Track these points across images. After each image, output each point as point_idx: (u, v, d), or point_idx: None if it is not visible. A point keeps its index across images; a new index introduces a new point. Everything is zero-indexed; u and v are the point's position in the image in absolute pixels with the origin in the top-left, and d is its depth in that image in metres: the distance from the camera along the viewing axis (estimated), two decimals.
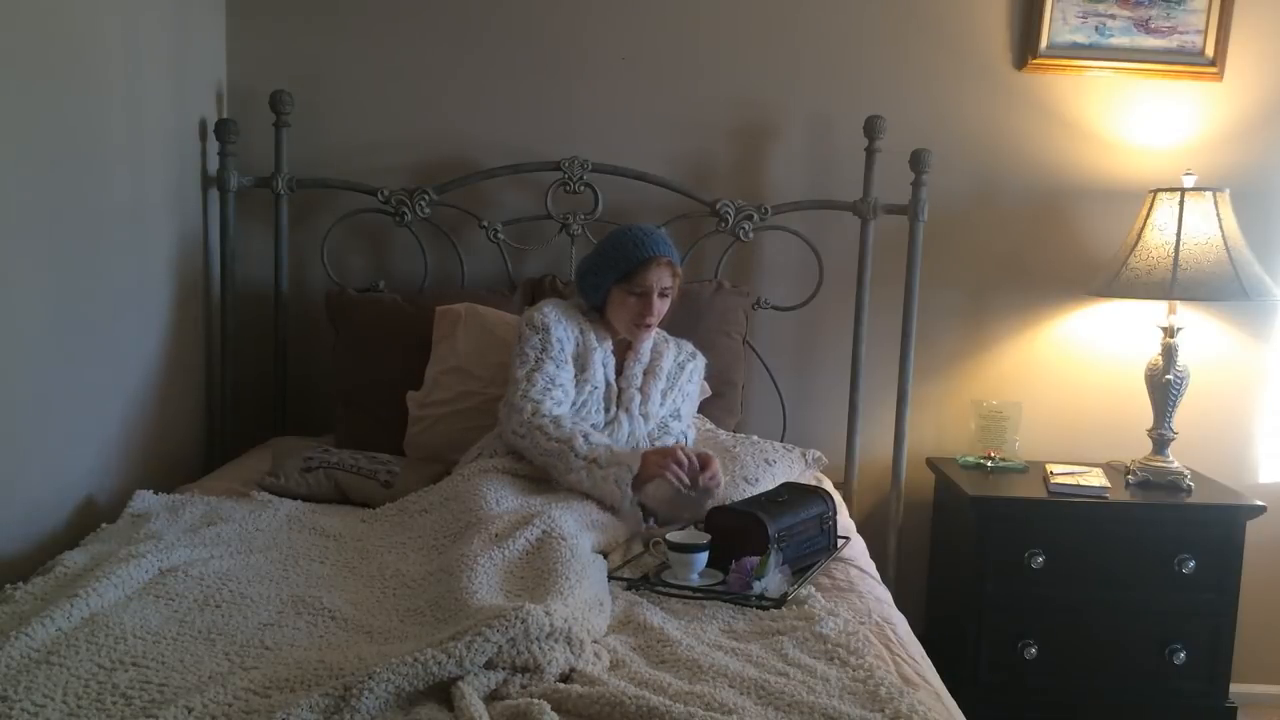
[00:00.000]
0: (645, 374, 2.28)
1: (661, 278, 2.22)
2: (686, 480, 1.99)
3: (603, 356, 2.24)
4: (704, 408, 2.58)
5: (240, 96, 2.82)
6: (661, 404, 2.29)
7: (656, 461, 2.00)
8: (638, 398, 2.24)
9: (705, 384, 2.55)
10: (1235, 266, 2.58)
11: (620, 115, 2.85)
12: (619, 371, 2.26)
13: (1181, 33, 2.81)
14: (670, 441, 2.29)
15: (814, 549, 1.96)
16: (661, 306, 2.24)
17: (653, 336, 2.32)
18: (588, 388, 2.20)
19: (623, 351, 2.29)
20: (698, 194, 2.76)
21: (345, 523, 2.02)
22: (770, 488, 2.15)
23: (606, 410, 2.22)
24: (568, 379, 2.19)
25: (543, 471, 2.11)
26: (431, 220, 2.77)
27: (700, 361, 2.42)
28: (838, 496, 2.24)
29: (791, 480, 2.24)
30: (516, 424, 2.11)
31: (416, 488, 2.15)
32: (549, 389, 2.15)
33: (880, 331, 2.81)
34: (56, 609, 1.47)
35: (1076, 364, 2.95)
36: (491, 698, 1.32)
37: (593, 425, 2.17)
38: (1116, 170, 2.88)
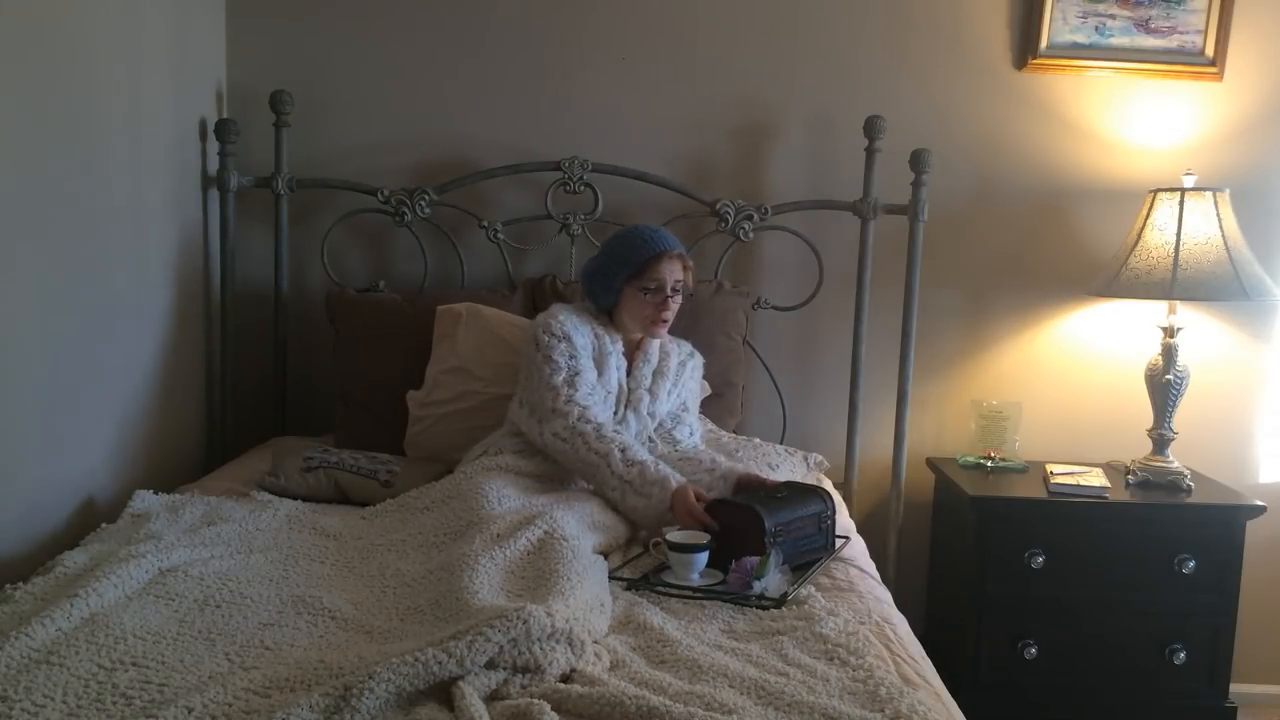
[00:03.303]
0: (654, 375, 2.28)
1: (674, 270, 2.22)
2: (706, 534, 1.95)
3: (617, 360, 2.25)
4: (704, 408, 2.58)
5: (240, 96, 2.82)
6: (666, 402, 2.30)
7: (683, 516, 1.95)
8: (646, 398, 2.25)
9: (705, 383, 2.55)
10: (1235, 266, 2.58)
11: (620, 115, 2.85)
12: (629, 373, 2.27)
13: (1181, 33, 2.81)
14: (684, 432, 2.33)
15: (811, 547, 1.96)
16: (676, 302, 2.25)
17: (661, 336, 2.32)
18: (603, 391, 2.20)
19: (630, 353, 2.30)
20: (698, 194, 2.76)
21: (345, 522, 2.02)
22: None
23: (614, 411, 2.22)
24: (596, 380, 2.19)
25: (544, 471, 2.11)
26: (431, 220, 2.77)
27: (698, 360, 2.44)
28: (838, 496, 2.24)
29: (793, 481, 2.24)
30: (560, 428, 2.09)
31: (417, 488, 2.15)
32: (591, 393, 2.15)
33: (880, 331, 2.81)
34: (56, 609, 1.47)
35: (1076, 364, 2.95)
36: (492, 698, 1.32)
37: None
38: (1116, 170, 2.88)
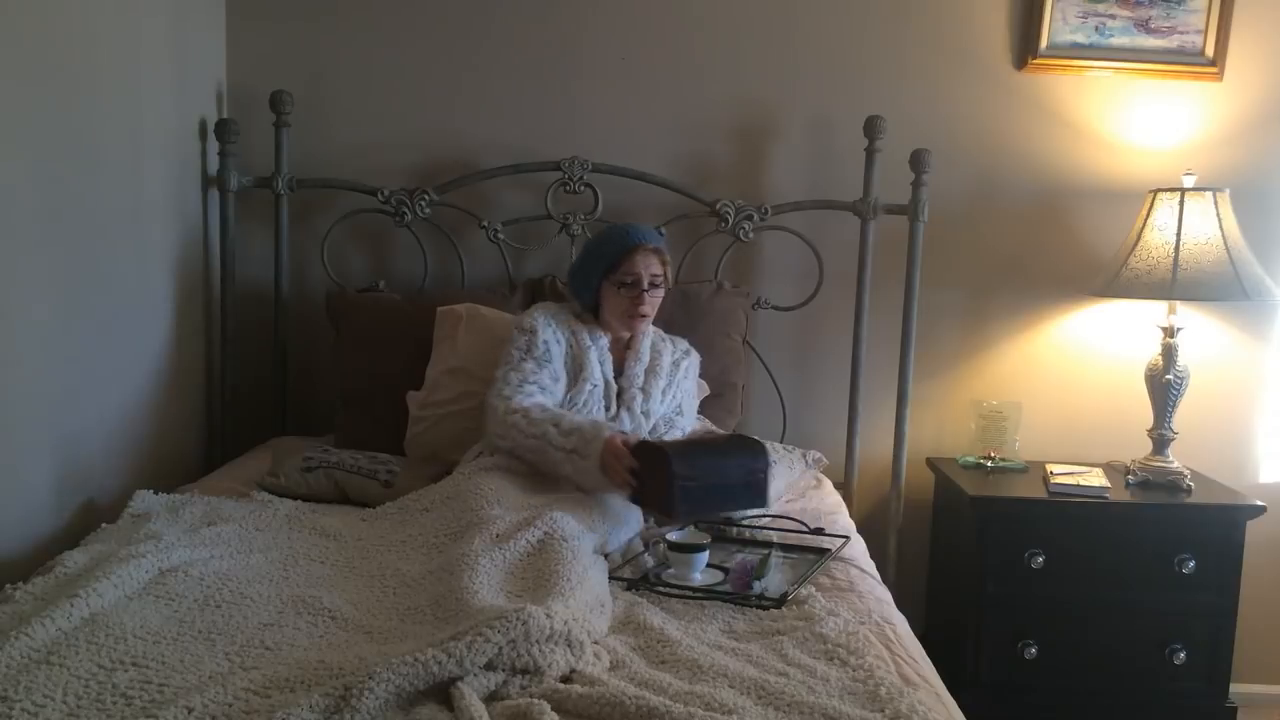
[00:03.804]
0: (647, 373, 2.27)
1: (649, 264, 2.22)
2: (631, 484, 1.95)
3: (599, 355, 2.24)
4: (704, 408, 2.58)
5: (240, 96, 2.81)
6: (662, 401, 2.29)
7: (609, 458, 1.96)
8: (640, 397, 2.24)
9: (703, 383, 2.55)
10: (1235, 266, 2.58)
11: (620, 115, 2.85)
12: (620, 371, 2.26)
13: (1181, 33, 2.81)
14: (676, 435, 2.30)
15: (731, 497, 1.93)
16: (654, 296, 2.24)
17: (651, 335, 2.32)
18: (587, 386, 2.20)
19: (621, 351, 2.29)
20: (698, 194, 2.76)
21: (345, 522, 2.01)
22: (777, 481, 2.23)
23: (608, 409, 2.22)
24: (548, 378, 2.18)
25: (543, 470, 2.11)
26: (431, 220, 2.77)
27: (695, 358, 2.42)
28: (832, 490, 2.22)
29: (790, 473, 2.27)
30: (494, 424, 2.12)
31: (417, 488, 2.15)
32: (522, 384, 2.16)
33: (880, 331, 2.81)
34: (56, 609, 1.47)
35: (1076, 364, 2.95)
36: (491, 698, 1.32)
37: None
38: (1116, 170, 2.88)
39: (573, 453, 2.01)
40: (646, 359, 2.29)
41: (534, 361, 2.18)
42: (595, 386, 2.21)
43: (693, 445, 1.97)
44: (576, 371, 2.21)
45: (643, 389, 2.25)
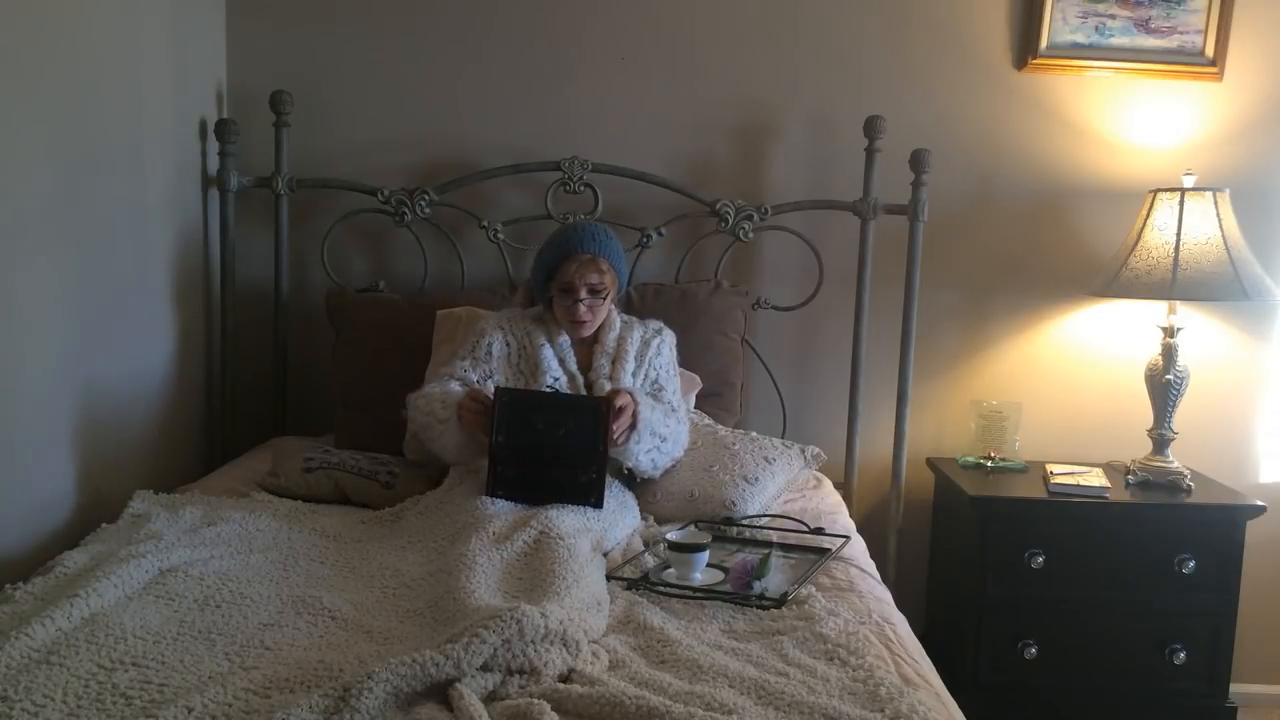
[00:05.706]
0: (613, 362, 2.26)
1: (585, 274, 2.20)
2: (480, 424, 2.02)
3: (557, 351, 2.24)
4: (704, 407, 2.58)
5: (240, 96, 2.82)
6: (635, 385, 2.26)
7: (465, 400, 2.06)
8: (608, 386, 2.23)
9: (694, 376, 2.53)
10: (1235, 266, 2.58)
11: (620, 115, 2.85)
12: (589, 365, 2.26)
13: (1181, 33, 2.81)
14: (662, 410, 2.28)
15: (557, 492, 1.98)
16: (594, 303, 2.23)
17: (618, 326, 2.31)
18: (546, 378, 2.20)
19: (591, 344, 2.29)
20: (698, 194, 2.76)
21: (345, 523, 2.02)
22: (768, 484, 2.25)
23: None
24: (479, 375, 2.22)
25: (438, 455, 2.18)
26: (431, 220, 2.77)
27: (668, 335, 2.38)
28: (811, 468, 2.32)
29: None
30: (407, 412, 2.19)
31: (416, 489, 2.16)
32: (442, 377, 2.22)
33: (880, 331, 2.81)
34: (56, 609, 1.47)
35: (1076, 364, 2.95)
36: (491, 698, 1.32)
37: None
38: (1116, 170, 2.88)
39: (448, 420, 2.08)
40: (612, 349, 2.28)
41: (469, 360, 2.24)
42: (557, 379, 2.21)
43: (536, 394, 2.08)
44: (531, 369, 2.22)
45: (609, 377, 2.24)
